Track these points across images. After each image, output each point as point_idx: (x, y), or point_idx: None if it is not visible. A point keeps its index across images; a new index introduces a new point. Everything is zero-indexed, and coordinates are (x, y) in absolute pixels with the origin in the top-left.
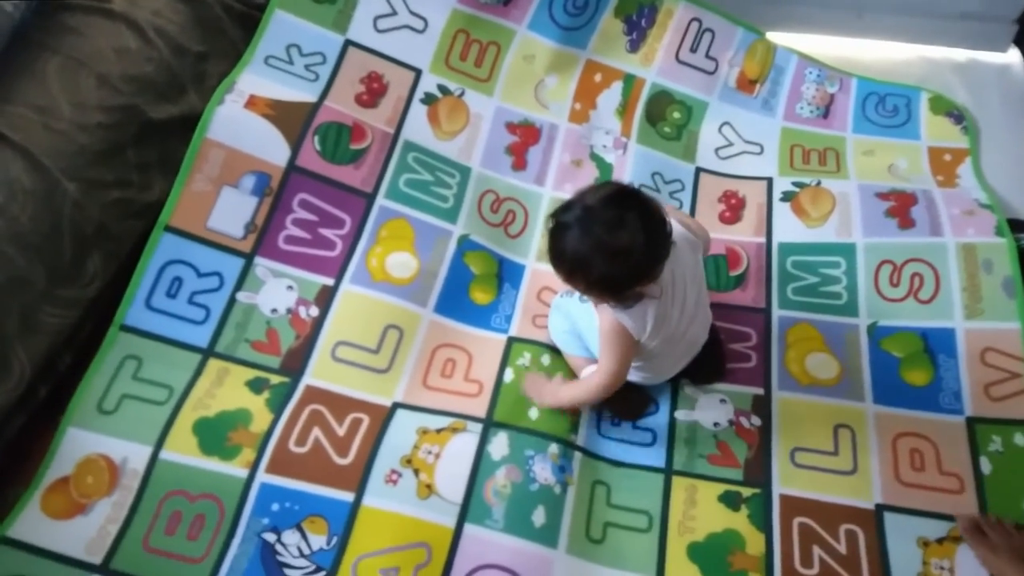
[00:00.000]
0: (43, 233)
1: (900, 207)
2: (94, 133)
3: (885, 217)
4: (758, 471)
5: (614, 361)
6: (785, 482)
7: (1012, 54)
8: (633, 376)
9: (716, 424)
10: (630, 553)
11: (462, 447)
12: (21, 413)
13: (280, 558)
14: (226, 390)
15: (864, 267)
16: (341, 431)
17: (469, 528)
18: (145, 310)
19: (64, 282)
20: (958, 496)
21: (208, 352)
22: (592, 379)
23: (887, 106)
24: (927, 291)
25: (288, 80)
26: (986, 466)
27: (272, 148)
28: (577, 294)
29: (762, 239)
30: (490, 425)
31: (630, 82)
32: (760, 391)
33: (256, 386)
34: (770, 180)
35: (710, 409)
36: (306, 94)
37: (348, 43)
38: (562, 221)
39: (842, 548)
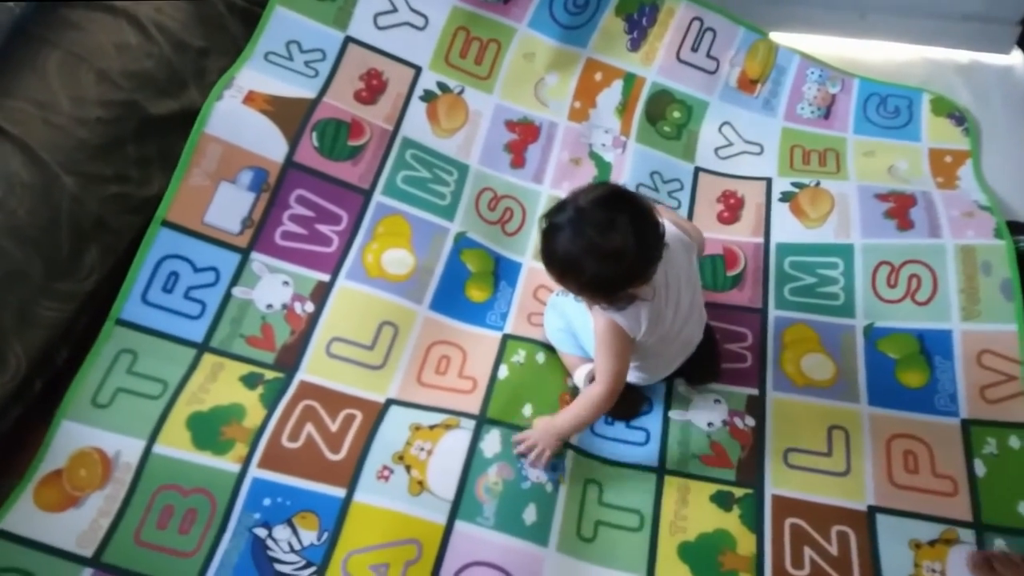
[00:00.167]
0: (41, 227)
1: (899, 208)
2: (93, 128)
3: (884, 218)
4: (751, 471)
5: (613, 362)
6: (778, 483)
7: (1015, 56)
8: (628, 376)
9: (710, 424)
10: (621, 552)
11: (455, 444)
12: (16, 406)
13: (271, 553)
14: (220, 385)
15: (862, 268)
16: (334, 427)
17: (460, 525)
18: (141, 304)
19: (61, 276)
20: (951, 498)
21: (203, 347)
22: (592, 391)
23: (888, 107)
24: (924, 292)
25: (287, 76)
26: (980, 468)
27: (270, 144)
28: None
29: (760, 239)
30: (483, 422)
31: (630, 81)
32: (755, 391)
33: (250, 381)
34: (769, 180)
35: (704, 409)
36: (305, 90)
37: (348, 40)
38: (554, 222)
39: (833, 549)
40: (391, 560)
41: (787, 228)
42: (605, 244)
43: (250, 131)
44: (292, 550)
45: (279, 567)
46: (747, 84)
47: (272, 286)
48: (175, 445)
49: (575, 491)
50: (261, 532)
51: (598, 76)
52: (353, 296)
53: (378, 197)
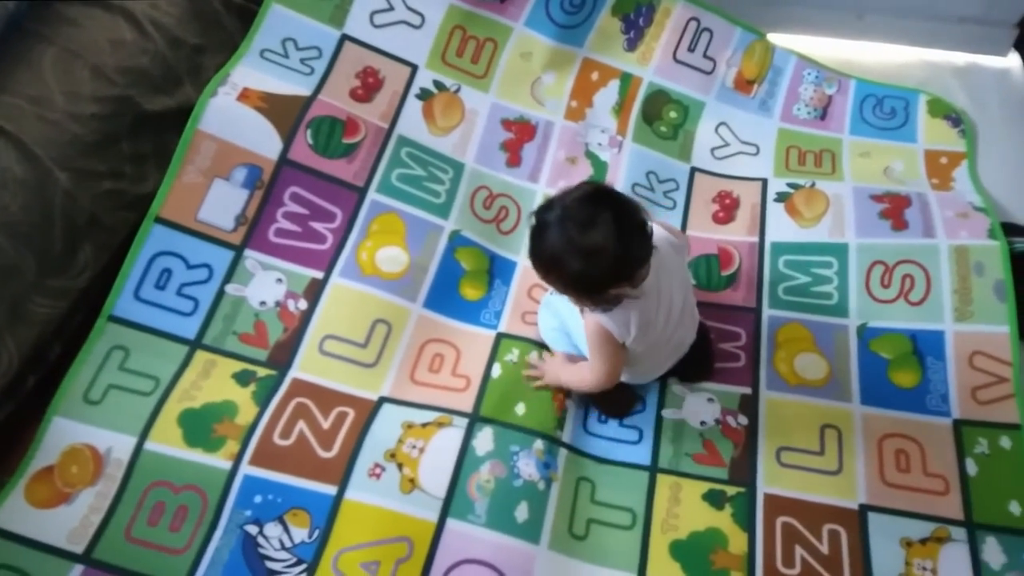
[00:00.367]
0: (34, 223)
1: (894, 209)
2: (87, 124)
3: (879, 218)
4: (743, 470)
5: (604, 364)
6: (770, 481)
7: (1012, 58)
8: (621, 376)
9: (703, 423)
10: (612, 550)
11: (447, 442)
12: (9, 403)
13: (262, 550)
14: (212, 382)
15: (856, 267)
16: (326, 424)
17: (451, 523)
18: (134, 301)
19: (54, 272)
20: (943, 497)
21: (195, 344)
22: (585, 373)
23: (885, 108)
24: (918, 293)
25: (282, 73)
26: (972, 468)
27: (264, 141)
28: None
29: (755, 239)
30: (476, 420)
31: (627, 81)
32: (748, 390)
33: (243, 378)
34: (765, 181)
35: (697, 408)
36: (300, 88)
37: (344, 37)
38: (541, 220)
39: (824, 548)
40: (382, 558)
41: (782, 228)
42: (585, 241)
43: (244, 128)
44: (283, 547)
45: (270, 564)
46: (743, 85)
47: (265, 283)
48: (167, 442)
49: (567, 489)
50: (252, 529)
51: (595, 76)
52: (347, 294)
53: (372, 195)
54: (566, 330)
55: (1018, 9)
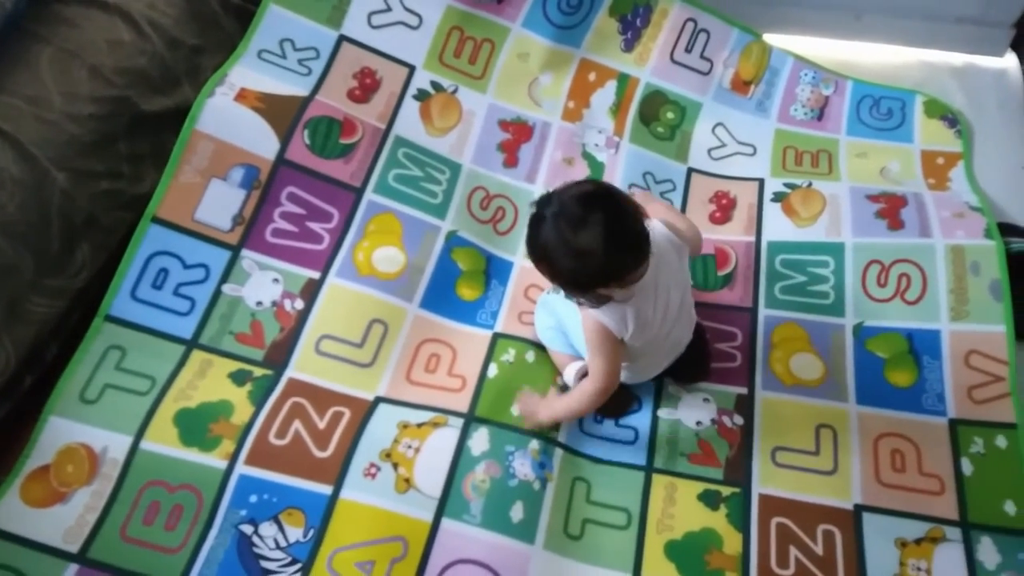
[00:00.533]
0: (31, 222)
1: (890, 209)
2: (85, 124)
3: (875, 218)
4: (738, 470)
5: (604, 362)
6: (765, 481)
7: (1009, 59)
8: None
9: (698, 423)
10: (607, 550)
11: (442, 442)
12: (6, 402)
13: (257, 550)
14: (209, 382)
15: (852, 267)
16: (322, 424)
17: (446, 523)
18: (130, 301)
19: (52, 272)
20: (938, 497)
21: (192, 344)
22: (585, 385)
23: (881, 109)
24: (914, 292)
25: (280, 74)
26: (967, 467)
27: (261, 141)
28: (563, 292)
29: (751, 238)
30: (471, 420)
31: (624, 81)
32: (744, 391)
33: (239, 378)
34: (761, 181)
35: (693, 408)
36: (298, 88)
37: (342, 38)
38: (538, 213)
39: (819, 549)
40: (377, 557)
41: (778, 227)
42: (574, 241)
43: (242, 128)
44: (278, 547)
45: (265, 564)
46: (740, 85)
47: (262, 283)
48: (162, 441)
49: (563, 489)
50: (247, 529)
51: (592, 76)
52: (343, 294)
53: (369, 195)
54: (563, 329)
55: (1015, 10)
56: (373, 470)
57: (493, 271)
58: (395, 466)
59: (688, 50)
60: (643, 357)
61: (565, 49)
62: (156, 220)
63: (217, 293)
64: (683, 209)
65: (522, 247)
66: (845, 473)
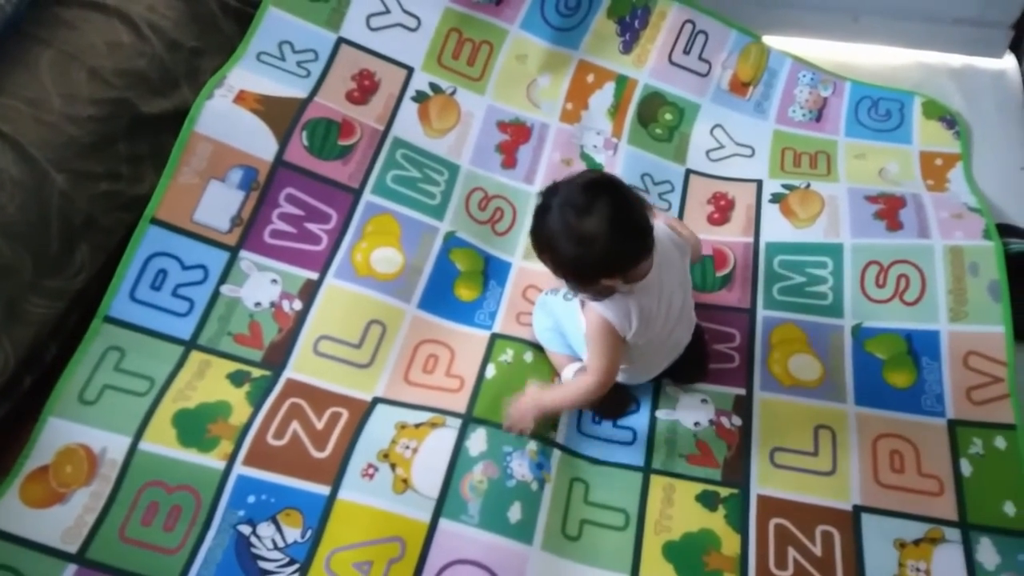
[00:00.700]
0: (30, 223)
1: (889, 210)
2: (84, 125)
3: (873, 219)
4: (737, 471)
5: (603, 359)
6: (763, 482)
7: (1007, 60)
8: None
9: (697, 424)
10: (605, 551)
11: (440, 442)
12: (5, 402)
13: (255, 550)
14: (207, 382)
15: (851, 268)
16: (320, 425)
17: (444, 523)
18: (129, 302)
19: (51, 273)
20: (937, 498)
21: (190, 344)
22: (582, 380)
23: (880, 110)
24: (913, 293)
25: (279, 76)
26: (966, 468)
27: (260, 143)
28: (561, 292)
29: (750, 239)
30: (469, 421)
31: (622, 83)
32: (742, 391)
33: (237, 379)
34: (760, 182)
35: (691, 409)
36: (296, 90)
37: (341, 40)
38: (544, 202)
39: (817, 550)
40: (374, 558)
41: (777, 228)
42: (578, 227)
43: (240, 130)
44: (276, 547)
45: (263, 564)
46: (739, 87)
47: (260, 284)
48: (161, 442)
49: (561, 489)
50: (245, 529)
51: (590, 78)
52: (341, 295)
53: (368, 196)
54: (561, 330)
55: (1013, 11)
56: (371, 470)
57: (491, 272)
58: (393, 466)
59: (686, 52)
60: (644, 357)
61: (563, 51)
62: (155, 221)
63: (216, 294)
64: (681, 210)
65: (520, 248)
66: (844, 474)
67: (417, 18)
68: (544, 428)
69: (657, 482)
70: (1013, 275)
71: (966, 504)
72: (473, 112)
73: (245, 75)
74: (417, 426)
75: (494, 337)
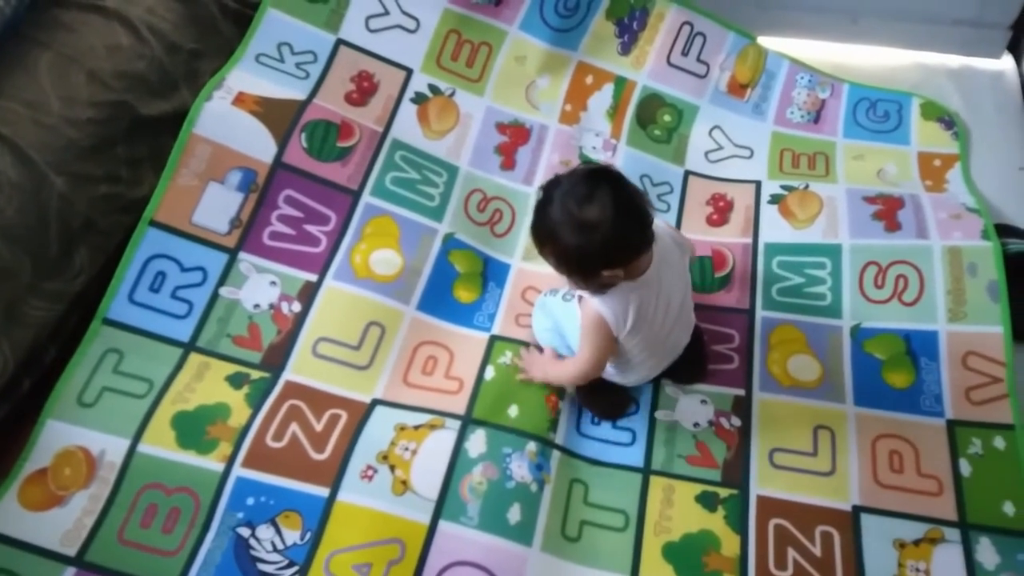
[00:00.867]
0: (29, 226)
1: (887, 210)
2: (83, 128)
3: (872, 220)
4: (736, 472)
5: (592, 351)
6: (763, 483)
7: (1006, 61)
8: (615, 377)
9: (696, 425)
10: (605, 552)
11: (439, 444)
12: (4, 405)
13: (254, 552)
14: (206, 384)
15: (849, 268)
16: (319, 427)
17: (443, 525)
18: (128, 304)
19: (50, 275)
20: (937, 498)
21: (189, 346)
22: (568, 365)
23: (878, 111)
24: (911, 293)
25: (278, 78)
26: (965, 468)
27: (259, 144)
28: (560, 293)
29: (748, 240)
30: (468, 422)
31: (621, 84)
32: (741, 392)
33: (236, 381)
34: (758, 183)
35: (690, 410)
36: (295, 92)
37: (340, 42)
38: (546, 195)
39: (817, 550)
40: (374, 560)
41: (775, 229)
42: (582, 215)
43: (239, 132)
44: (275, 550)
45: (262, 567)
46: (737, 88)
47: (259, 286)
48: (160, 444)
49: (560, 491)
50: (244, 531)
51: (589, 79)
52: (340, 296)
53: (367, 198)
54: (560, 331)
55: (1012, 11)
56: (370, 472)
57: (490, 273)
58: (392, 468)
59: (684, 53)
60: (642, 359)
61: (562, 52)
62: (154, 223)
63: (214, 296)
64: (680, 211)
65: (519, 249)
66: (843, 474)
67: (416, 19)
68: (543, 430)
69: (657, 483)
70: (1012, 275)
71: (965, 504)
72: (472, 113)
73: (244, 77)
74: (416, 428)
75: (493, 339)
